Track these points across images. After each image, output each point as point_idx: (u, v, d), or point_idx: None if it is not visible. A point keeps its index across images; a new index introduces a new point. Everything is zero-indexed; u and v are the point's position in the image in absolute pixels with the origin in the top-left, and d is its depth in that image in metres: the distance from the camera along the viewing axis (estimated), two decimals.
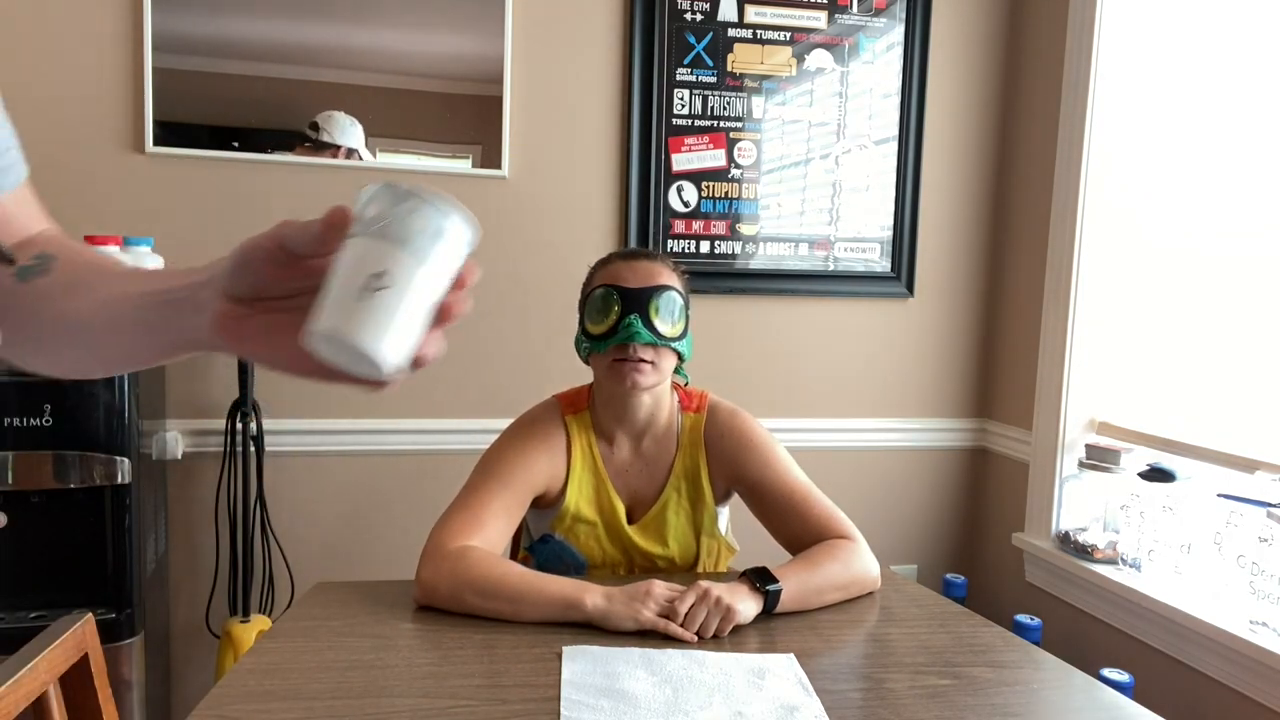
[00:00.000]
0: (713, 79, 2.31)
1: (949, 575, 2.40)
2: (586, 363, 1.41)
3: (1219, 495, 1.80)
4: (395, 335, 0.49)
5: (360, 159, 2.15)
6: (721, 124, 2.33)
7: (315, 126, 2.09)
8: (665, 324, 1.33)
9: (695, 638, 1.15)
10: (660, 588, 1.19)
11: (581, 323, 1.40)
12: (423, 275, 0.50)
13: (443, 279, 0.51)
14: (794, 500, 1.40)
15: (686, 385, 1.50)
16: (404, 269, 0.49)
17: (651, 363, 1.33)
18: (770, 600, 1.22)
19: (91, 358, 0.64)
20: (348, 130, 2.12)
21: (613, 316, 1.32)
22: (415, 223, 0.50)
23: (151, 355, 0.61)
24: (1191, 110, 2.11)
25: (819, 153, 2.40)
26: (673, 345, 1.34)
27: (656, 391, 1.40)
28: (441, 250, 0.50)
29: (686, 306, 1.37)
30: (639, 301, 1.32)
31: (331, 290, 0.49)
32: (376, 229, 0.49)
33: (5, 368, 1.62)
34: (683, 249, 2.34)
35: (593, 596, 1.17)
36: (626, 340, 1.30)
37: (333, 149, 2.11)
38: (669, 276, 1.37)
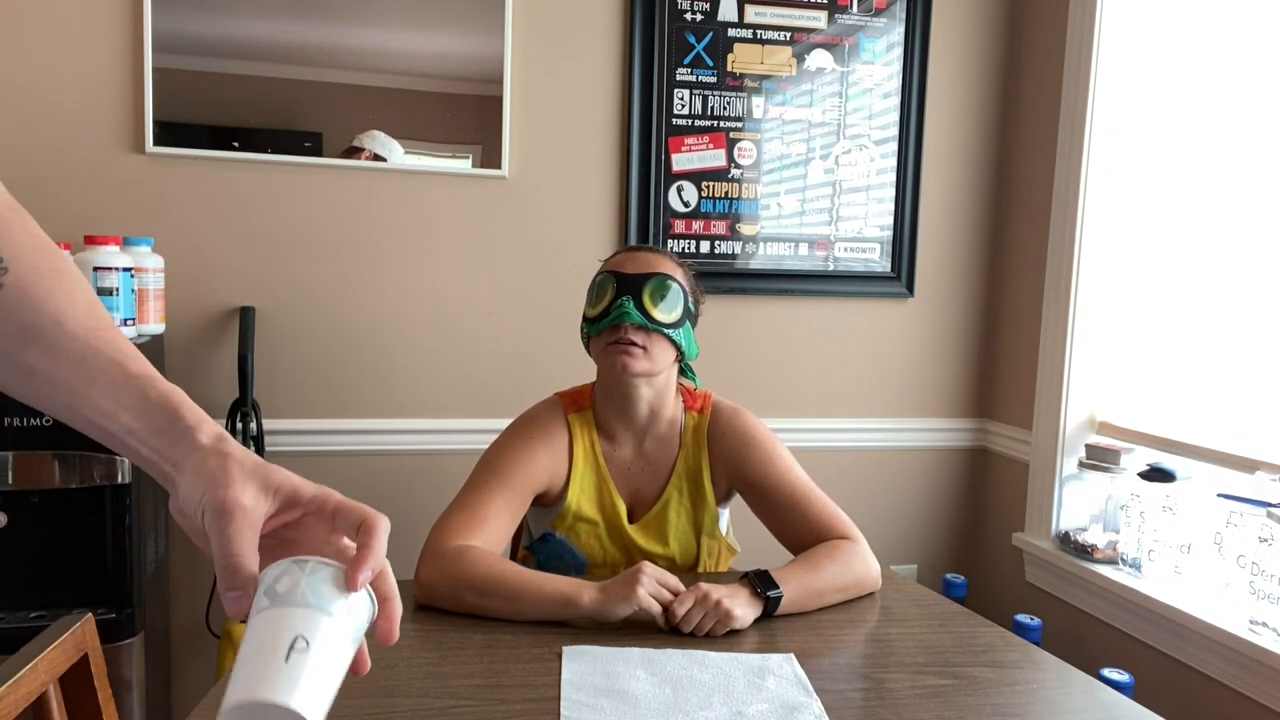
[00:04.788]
0: (713, 79, 2.31)
1: (949, 575, 2.40)
2: (589, 352, 1.42)
3: (1219, 495, 1.80)
4: (318, 692, 0.51)
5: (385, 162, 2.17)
6: (721, 124, 2.33)
7: (353, 151, 2.15)
8: (657, 309, 1.33)
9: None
10: (651, 569, 1.19)
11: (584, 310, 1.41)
12: (338, 634, 0.53)
13: (352, 638, 0.55)
14: (795, 500, 1.40)
15: (696, 389, 1.50)
16: (321, 630, 0.52)
17: (643, 347, 1.33)
18: (770, 606, 1.22)
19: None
20: (378, 139, 2.16)
21: (607, 299, 1.34)
22: (326, 588, 0.54)
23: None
24: (1192, 109, 2.11)
25: (819, 153, 2.40)
26: (665, 332, 1.34)
27: (656, 385, 1.40)
28: (350, 609, 0.55)
29: (688, 301, 1.38)
30: (633, 285, 1.33)
31: (253, 661, 0.51)
32: (291, 599, 0.53)
33: None
34: (683, 249, 2.34)
35: (589, 592, 1.18)
36: (617, 321, 1.32)
37: (360, 153, 2.15)
38: (670, 268, 1.38)
